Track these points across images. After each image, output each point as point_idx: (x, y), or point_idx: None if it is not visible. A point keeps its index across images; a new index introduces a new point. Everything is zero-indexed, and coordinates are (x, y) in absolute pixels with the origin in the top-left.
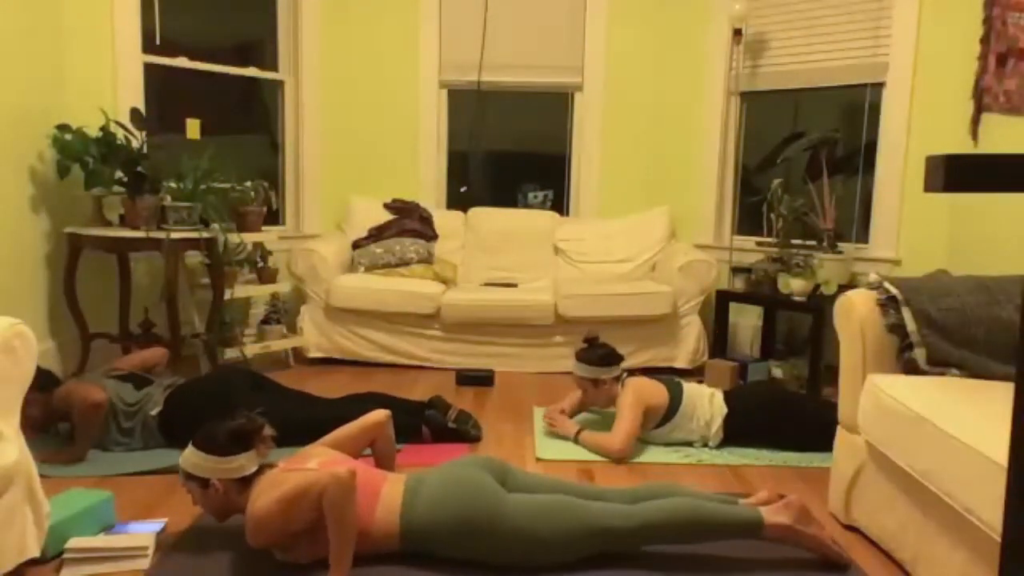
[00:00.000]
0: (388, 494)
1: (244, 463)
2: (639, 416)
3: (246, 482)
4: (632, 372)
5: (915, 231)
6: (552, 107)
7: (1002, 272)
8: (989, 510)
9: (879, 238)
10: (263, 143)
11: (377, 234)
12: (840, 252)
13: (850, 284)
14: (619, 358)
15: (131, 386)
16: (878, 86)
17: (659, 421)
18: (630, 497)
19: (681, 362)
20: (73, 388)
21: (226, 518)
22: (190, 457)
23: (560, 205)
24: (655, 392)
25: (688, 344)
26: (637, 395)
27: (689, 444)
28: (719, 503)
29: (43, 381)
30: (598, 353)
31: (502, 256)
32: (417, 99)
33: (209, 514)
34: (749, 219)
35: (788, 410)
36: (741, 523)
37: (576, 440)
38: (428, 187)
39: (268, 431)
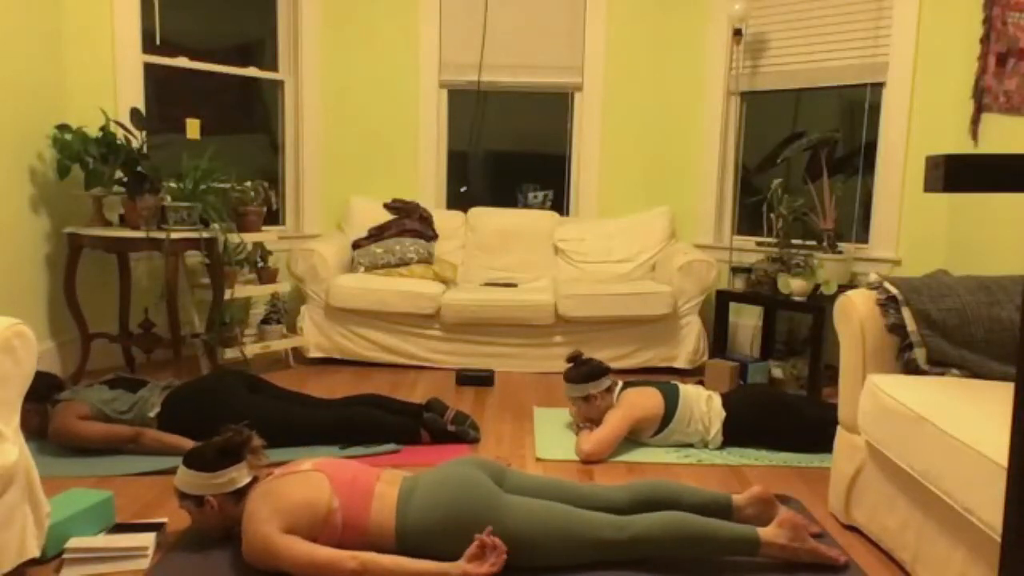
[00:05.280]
0: (384, 493)
1: (236, 476)
2: (622, 430)
3: (240, 494)
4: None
5: (915, 231)
6: (552, 107)
7: (1002, 272)
8: (989, 510)
9: (879, 238)
10: (263, 143)
11: (377, 234)
12: (840, 252)
13: (850, 284)
14: (604, 371)
15: (123, 391)
16: (878, 86)
17: (656, 429)
18: (628, 497)
19: (681, 362)
20: (59, 425)
21: (226, 534)
22: (182, 476)
23: (560, 205)
24: (649, 404)
25: (688, 344)
26: (628, 409)
27: (689, 446)
28: (714, 501)
29: (43, 389)
30: (582, 371)
31: (502, 256)
32: (417, 99)
33: (208, 533)
34: (749, 219)
35: (786, 412)
36: (737, 542)
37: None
38: (428, 187)
39: (257, 441)
